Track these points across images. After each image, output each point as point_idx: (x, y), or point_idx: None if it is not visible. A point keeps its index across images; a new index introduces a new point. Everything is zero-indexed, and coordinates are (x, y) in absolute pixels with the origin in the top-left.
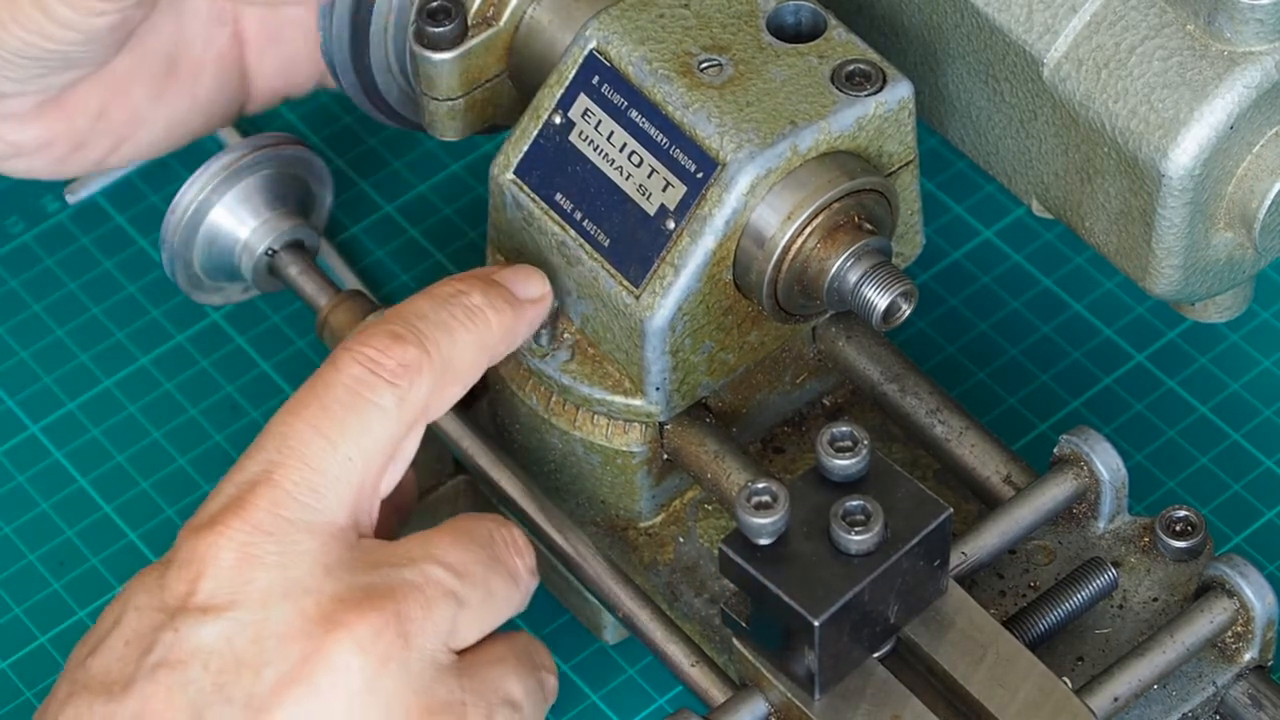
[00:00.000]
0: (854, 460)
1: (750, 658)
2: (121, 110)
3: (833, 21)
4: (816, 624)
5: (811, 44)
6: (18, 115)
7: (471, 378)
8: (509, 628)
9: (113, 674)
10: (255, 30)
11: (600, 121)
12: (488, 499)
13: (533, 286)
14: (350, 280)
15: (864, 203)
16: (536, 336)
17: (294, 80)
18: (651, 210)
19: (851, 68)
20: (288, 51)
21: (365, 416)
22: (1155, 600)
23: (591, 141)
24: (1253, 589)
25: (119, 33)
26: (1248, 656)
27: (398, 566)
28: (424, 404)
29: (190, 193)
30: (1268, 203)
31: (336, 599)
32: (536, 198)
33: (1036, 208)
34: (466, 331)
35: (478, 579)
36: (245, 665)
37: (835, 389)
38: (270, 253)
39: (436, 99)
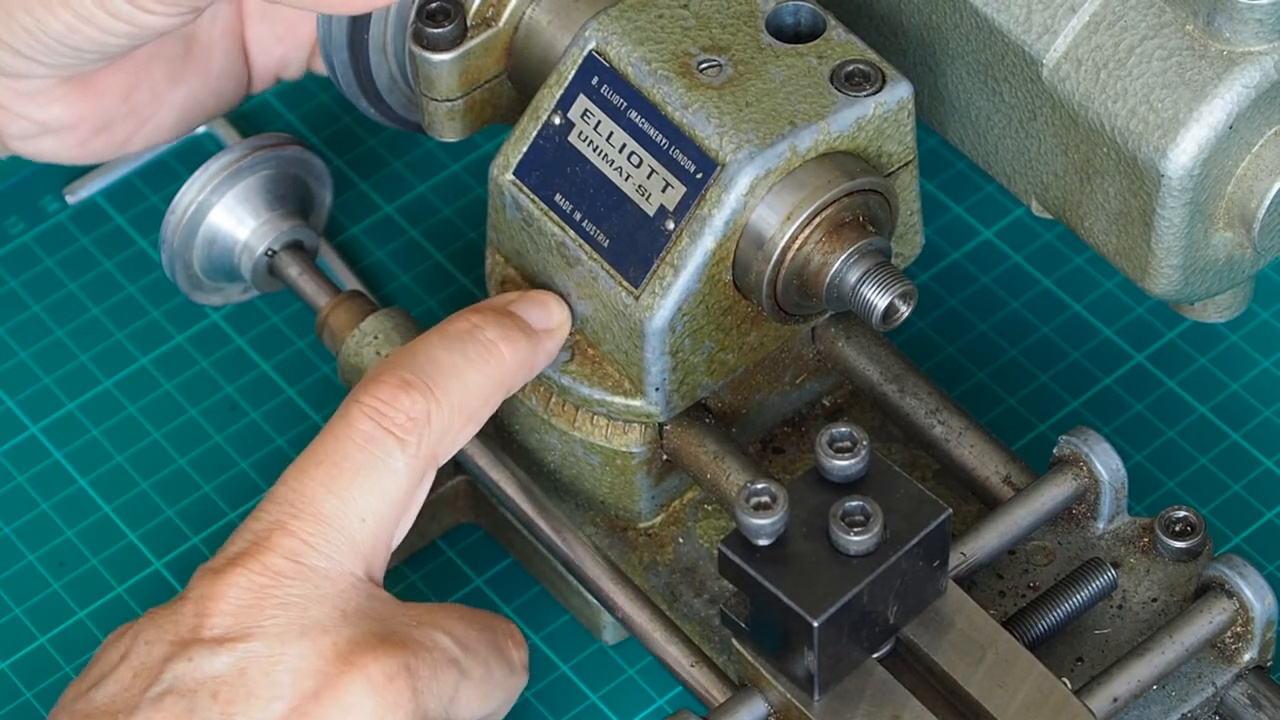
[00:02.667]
0: (853, 461)
1: (750, 658)
2: (144, 92)
3: (832, 22)
4: (816, 625)
5: (811, 44)
6: (42, 93)
7: (485, 414)
8: None
9: (118, 704)
10: (253, 6)
11: (600, 122)
12: (488, 499)
13: (550, 315)
14: (350, 280)
15: (863, 203)
16: None
17: (287, 60)
18: (651, 211)
19: (851, 68)
20: (282, 31)
21: (376, 474)
22: (1155, 601)
23: (591, 142)
24: (1252, 589)
25: (166, 32)
26: (1247, 657)
27: (409, 625)
28: (434, 452)
29: (190, 193)
30: (1267, 202)
31: (353, 641)
32: (536, 198)
33: (1036, 208)
34: (478, 371)
35: (480, 656)
36: (255, 696)
37: (835, 389)
38: (270, 253)
39: (436, 100)
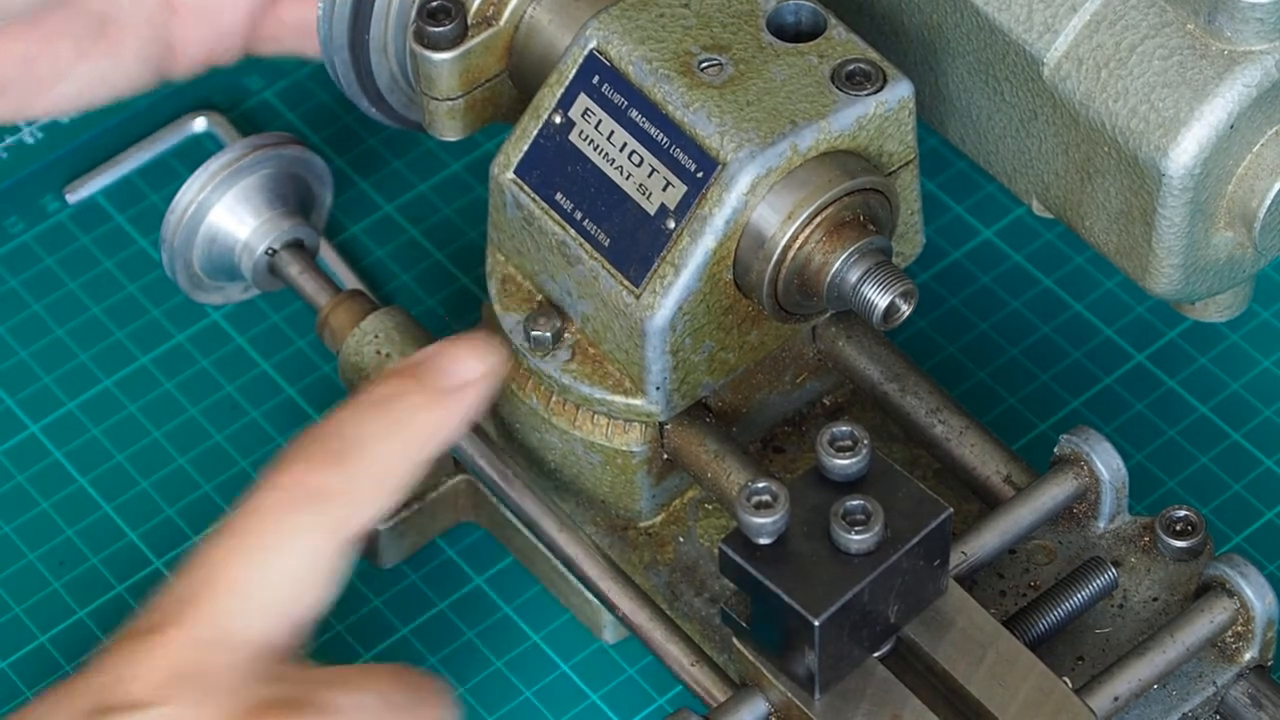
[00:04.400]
0: (854, 460)
1: (750, 657)
2: (46, 62)
3: (833, 21)
4: (816, 624)
5: (811, 43)
6: None
7: (403, 484)
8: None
9: None
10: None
11: (600, 121)
12: (488, 499)
13: (469, 368)
14: (350, 280)
15: (864, 202)
16: (539, 339)
17: (219, 49)
18: (652, 210)
19: (851, 67)
20: (216, 21)
21: (286, 545)
22: (1155, 600)
23: (592, 141)
24: (1253, 589)
25: None
26: (1248, 656)
27: (319, 688)
28: (346, 524)
29: (190, 192)
30: (1268, 202)
31: (257, 705)
32: (536, 197)
33: (1036, 208)
34: (387, 444)
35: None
36: None
37: (835, 389)
38: (270, 252)
39: (436, 99)
